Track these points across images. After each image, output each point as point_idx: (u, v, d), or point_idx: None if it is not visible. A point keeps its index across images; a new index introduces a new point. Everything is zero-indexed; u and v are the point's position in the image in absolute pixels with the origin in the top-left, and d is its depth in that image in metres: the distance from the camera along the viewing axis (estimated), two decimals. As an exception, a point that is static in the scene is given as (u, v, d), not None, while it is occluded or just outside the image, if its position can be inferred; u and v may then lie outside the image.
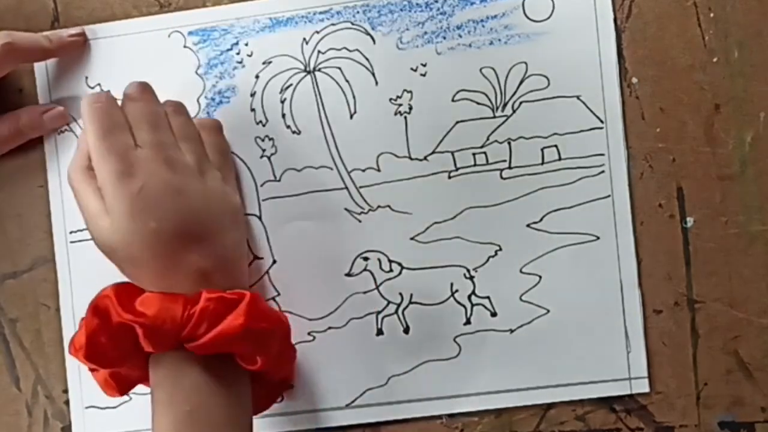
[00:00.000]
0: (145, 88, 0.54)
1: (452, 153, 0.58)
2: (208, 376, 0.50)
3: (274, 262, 0.59)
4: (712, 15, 0.57)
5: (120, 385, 0.53)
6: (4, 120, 0.59)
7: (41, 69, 0.60)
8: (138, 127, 0.52)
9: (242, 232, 0.55)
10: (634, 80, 0.58)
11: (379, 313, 0.58)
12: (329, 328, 0.58)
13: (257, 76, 0.59)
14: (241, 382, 0.52)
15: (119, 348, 0.49)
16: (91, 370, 0.52)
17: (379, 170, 0.58)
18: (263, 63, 0.59)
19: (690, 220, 0.57)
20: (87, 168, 0.52)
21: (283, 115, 0.59)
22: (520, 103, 0.58)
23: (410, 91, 0.58)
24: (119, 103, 0.53)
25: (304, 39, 0.59)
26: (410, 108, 0.58)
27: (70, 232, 0.60)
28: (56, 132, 0.60)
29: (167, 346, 0.49)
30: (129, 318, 0.48)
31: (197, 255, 0.50)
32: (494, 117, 0.58)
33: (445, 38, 0.58)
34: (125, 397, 0.59)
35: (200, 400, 0.49)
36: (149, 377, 0.51)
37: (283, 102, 0.59)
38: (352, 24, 0.59)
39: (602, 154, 0.57)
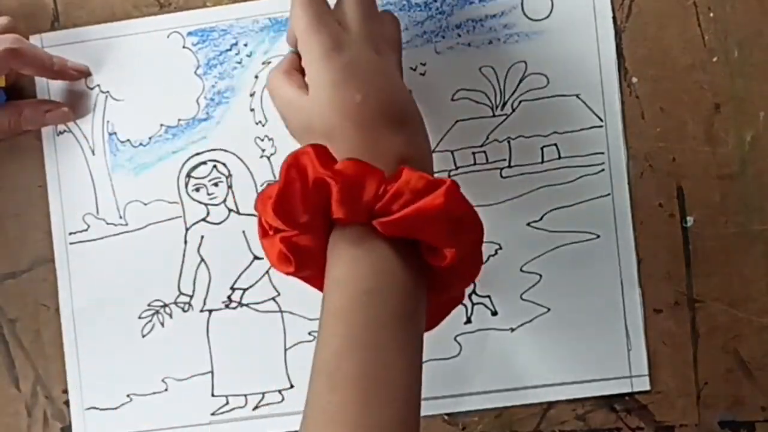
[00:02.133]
0: None
1: (452, 152, 0.58)
2: (392, 260, 0.46)
3: (274, 261, 0.59)
4: (712, 15, 0.57)
5: (297, 257, 0.47)
6: (5, 109, 0.59)
7: (41, 69, 0.60)
8: (352, 14, 0.50)
9: (427, 134, 0.51)
10: (634, 80, 0.58)
11: (379, 312, 0.58)
12: (329, 327, 0.58)
13: (257, 77, 0.59)
14: (422, 279, 0.47)
15: (309, 208, 0.46)
16: (267, 236, 0.48)
17: (379, 169, 0.58)
18: (262, 63, 0.59)
19: (690, 220, 0.57)
20: (287, 71, 0.51)
21: (283, 115, 0.59)
22: (520, 102, 0.58)
23: (410, 91, 0.58)
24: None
25: (303, 39, 0.59)
26: (410, 107, 0.58)
27: (70, 233, 0.60)
28: (56, 133, 0.60)
29: (358, 215, 0.45)
30: (327, 174, 0.45)
31: (400, 139, 0.48)
32: (494, 116, 0.58)
33: (444, 37, 0.58)
34: (125, 398, 0.59)
35: (379, 283, 0.45)
36: (327, 252, 0.47)
37: (282, 102, 0.59)
38: (352, 24, 0.59)
39: (602, 153, 0.57)
